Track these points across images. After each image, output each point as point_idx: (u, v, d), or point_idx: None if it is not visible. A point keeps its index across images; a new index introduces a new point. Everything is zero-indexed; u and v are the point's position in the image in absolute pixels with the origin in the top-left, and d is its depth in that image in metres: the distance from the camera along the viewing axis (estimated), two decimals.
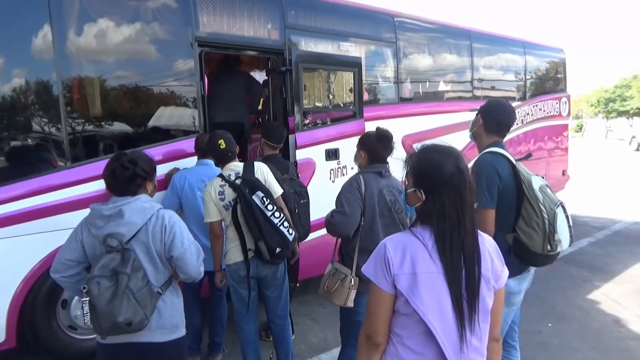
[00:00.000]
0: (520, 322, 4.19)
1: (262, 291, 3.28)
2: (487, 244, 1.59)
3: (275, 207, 3.02)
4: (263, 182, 3.10)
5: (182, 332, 2.29)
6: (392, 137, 2.95)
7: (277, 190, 3.21)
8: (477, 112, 2.83)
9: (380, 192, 2.83)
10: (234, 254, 3.14)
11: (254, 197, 2.98)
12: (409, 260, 1.49)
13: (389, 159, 2.98)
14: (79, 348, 3.65)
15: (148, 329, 2.13)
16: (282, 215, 3.03)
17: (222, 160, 3.21)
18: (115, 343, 2.17)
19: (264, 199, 2.99)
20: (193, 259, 2.18)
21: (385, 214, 2.85)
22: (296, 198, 3.75)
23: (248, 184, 3.02)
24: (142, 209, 2.14)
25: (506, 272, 1.61)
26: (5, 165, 3.36)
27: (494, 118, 2.75)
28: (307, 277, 4.70)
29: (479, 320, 1.50)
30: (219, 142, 3.14)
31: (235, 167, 3.16)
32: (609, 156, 22.98)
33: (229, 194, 3.06)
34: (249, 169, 3.12)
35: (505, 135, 2.81)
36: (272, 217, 2.98)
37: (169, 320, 2.21)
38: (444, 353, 1.47)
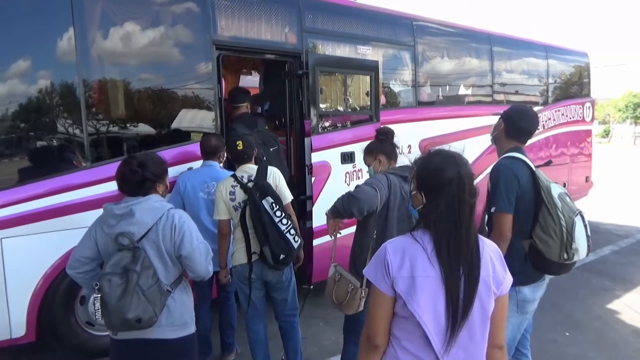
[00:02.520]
0: (536, 331, 4.13)
1: (269, 293, 3.34)
2: (489, 249, 1.59)
3: (283, 214, 3.05)
4: (274, 188, 3.15)
5: (192, 329, 2.33)
6: (392, 131, 2.95)
7: (287, 196, 3.26)
8: (500, 116, 2.84)
9: (403, 198, 2.79)
10: (239, 256, 3.20)
11: (263, 201, 3.03)
12: (408, 263, 1.51)
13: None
14: (96, 344, 3.73)
15: (158, 326, 2.18)
16: (289, 222, 3.07)
17: (237, 160, 3.28)
18: (127, 339, 2.23)
19: (274, 204, 3.03)
20: (201, 258, 2.22)
21: (404, 219, 2.81)
22: (265, 147, 4.01)
23: (259, 189, 3.07)
24: (152, 208, 2.20)
25: (509, 278, 1.60)
26: (28, 164, 3.48)
27: (516, 124, 2.74)
28: (321, 279, 4.71)
29: (477, 326, 1.51)
30: (237, 143, 3.22)
31: (250, 169, 3.22)
32: (637, 163, 22.39)
33: (240, 195, 3.11)
34: (261, 173, 3.17)
35: (526, 142, 2.80)
36: (279, 224, 3.03)
37: (179, 318, 2.26)
38: (438, 356, 1.48)
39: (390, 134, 2.93)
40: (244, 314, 3.36)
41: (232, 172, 3.58)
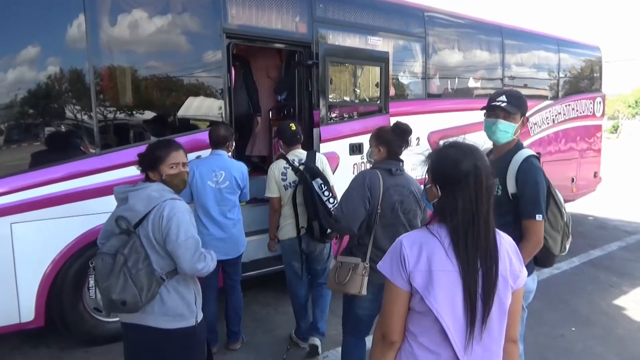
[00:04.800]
0: (543, 326, 4.15)
1: (310, 264, 3.75)
2: (506, 243, 1.57)
3: (330, 194, 3.51)
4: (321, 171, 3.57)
5: (190, 322, 2.26)
6: (411, 131, 2.89)
7: (331, 180, 3.70)
8: (517, 111, 2.48)
9: (386, 191, 2.72)
10: (288, 231, 3.63)
11: (313, 182, 3.46)
12: (425, 257, 1.47)
13: (405, 156, 2.90)
14: (104, 330, 3.77)
15: (151, 314, 2.18)
16: (335, 201, 3.48)
17: (290, 142, 3.71)
18: (128, 322, 2.28)
19: (322, 185, 3.50)
20: (187, 254, 2.15)
21: (386, 214, 2.74)
22: None
23: (309, 171, 3.53)
24: (147, 197, 2.19)
25: (525, 272, 1.59)
26: (38, 150, 3.48)
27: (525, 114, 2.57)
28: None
29: (495, 320, 1.48)
30: (290, 125, 3.72)
31: (300, 153, 3.69)
32: None
33: (291, 176, 3.59)
34: (311, 158, 3.65)
35: None
36: (327, 202, 3.47)
37: (172, 309, 2.21)
38: (456, 352, 1.46)
39: (405, 132, 2.86)
40: (290, 284, 3.80)
41: (240, 162, 3.70)
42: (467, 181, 1.47)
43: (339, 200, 2.87)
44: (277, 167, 3.63)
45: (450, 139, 1.66)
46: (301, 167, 3.57)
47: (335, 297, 4.76)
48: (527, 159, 2.44)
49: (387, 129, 2.93)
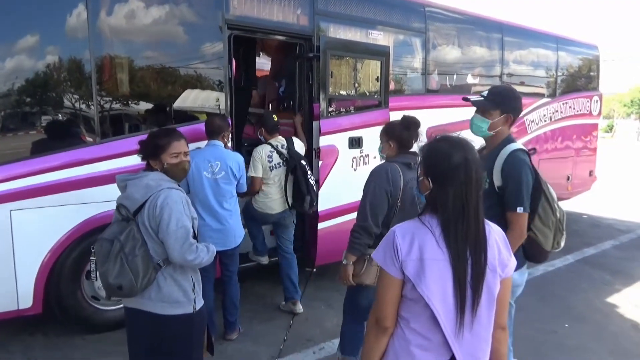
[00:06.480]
0: (536, 322, 4.19)
1: (282, 233, 4.36)
2: (495, 233, 1.63)
3: (311, 173, 4.15)
4: None
5: (187, 309, 2.28)
6: (419, 124, 2.93)
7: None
8: (495, 107, 2.52)
9: (406, 185, 2.76)
10: (275, 206, 4.17)
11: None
12: (417, 247, 1.53)
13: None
14: (102, 318, 3.78)
15: (149, 299, 2.22)
16: (313, 179, 4.16)
17: (272, 130, 4.23)
18: (129, 307, 2.31)
19: (305, 166, 4.13)
20: (176, 244, 2.17)
21: (406, 207, 2.78)
22: None
23: (294, 154, 4.13)
24: (145, 186, 2.22)
25: (513, 261, 1.65)
26: (37, 138, 3.48)
27: (518, 109, 2.59)
28: (324, 263, 4.75)
29: (483, 307, 1.54)
30: (274, 115, 4.31)
31: (281, 140, 4.23)
32: None
33: (276, 158, 4.12)
34: (291, 143, 4.23)
35: None
36: (310, 179, 4.11)
37: (169, 296, 2.24)
38: (447, 337, 1.51)
39: (414, 125, 2.90)
40: (256, 232, 4.36)
41: (236, 152, 3.81)
42: (458, 174, 1.53)
43: (361, 199, 2.80)
44: (264, 151, 4.09)
45: (442, 133, 1.70)
46: (284, 151, 4.14)
47: (333, 289, 4.81)
48: (513, 152, 2.47)
49: (395, 124, 2.95)
